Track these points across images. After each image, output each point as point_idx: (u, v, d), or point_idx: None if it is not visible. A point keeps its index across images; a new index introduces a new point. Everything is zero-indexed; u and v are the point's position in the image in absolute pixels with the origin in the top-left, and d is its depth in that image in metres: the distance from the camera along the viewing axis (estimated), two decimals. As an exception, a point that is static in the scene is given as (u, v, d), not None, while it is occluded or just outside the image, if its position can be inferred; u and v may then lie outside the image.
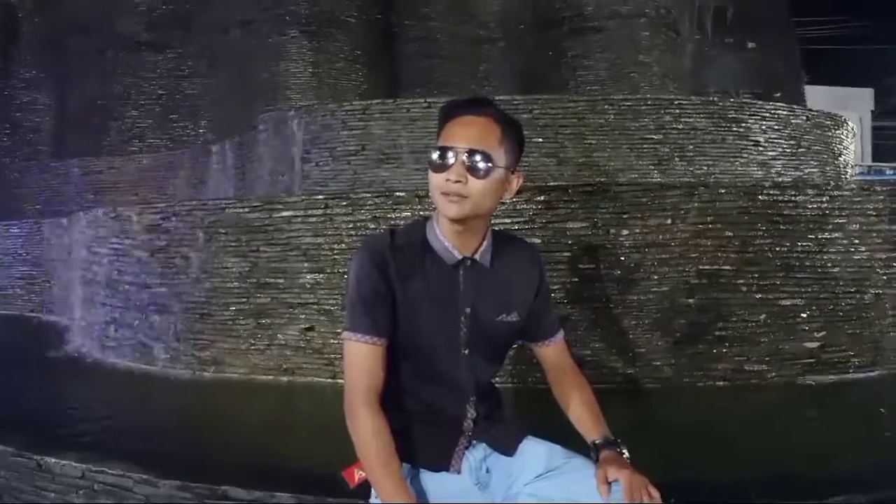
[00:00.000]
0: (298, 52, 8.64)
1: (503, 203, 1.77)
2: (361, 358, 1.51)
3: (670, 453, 2.51)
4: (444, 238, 1.56)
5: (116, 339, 4.59)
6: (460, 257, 1.57)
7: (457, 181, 1.49)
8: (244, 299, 3.92)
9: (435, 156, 1.52)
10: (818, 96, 16.01)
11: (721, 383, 3.54)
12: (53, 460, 2.55)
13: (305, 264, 3.77)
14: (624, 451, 1.59)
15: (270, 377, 3.86)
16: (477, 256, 1.59)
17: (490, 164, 1.50)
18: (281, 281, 3.83)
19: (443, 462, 1.58)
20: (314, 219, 3.72)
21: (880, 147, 24.38)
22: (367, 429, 1.47)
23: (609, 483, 1.47)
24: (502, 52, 9.62)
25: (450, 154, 1.50)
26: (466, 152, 1.49)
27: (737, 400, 3.39)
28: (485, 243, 1.60)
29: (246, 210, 3.89)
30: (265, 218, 3.82)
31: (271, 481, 2.26)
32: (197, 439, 2.89)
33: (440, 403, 1.60)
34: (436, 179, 1.52)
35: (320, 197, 3.78)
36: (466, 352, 1.59)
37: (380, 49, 9.18)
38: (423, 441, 1.57)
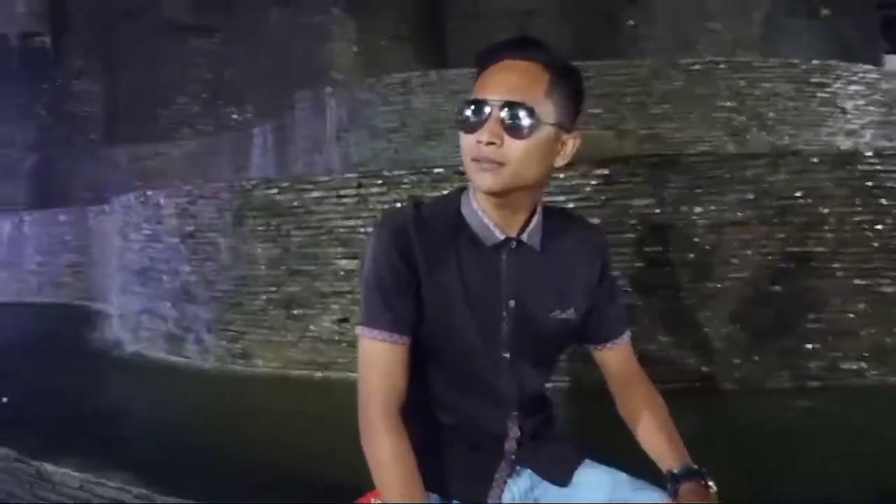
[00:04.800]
0: (342, 30, 8.37)
1: (558, 172, 1.41)
2: (379, 359, 1.24)
3: (752, 468, 2.22)
4: (483, 213, 1.27)
5: (149, 329, 4.41)
6: (502, 238, 1.27)
7: (489, 143, 1.19)
8: (274, 288, 3.66)
9: (464, 112, 1.20)
10: (901, 65, 14.90)
11: (813, 384, 3.16)
12: (52, 468, 2.37)
13: (339, 249, 3.48)
14: (711, 484, 1.26)
15: (304, 372, 3.60)
16: (524, 237, 1.29)
17: (533, 121, 1.18)
18: (313, 268, 3.54)
19: (480, 492, 1.29)
20: (347, 199, 3.43)
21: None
22: (385, 449, 1.20)
23: (692, 525, 1.16)
24: (553, 24, 9.13)
25: (483, 109, 1.19)
26: (502, 106, 1.17)
27: (832, 403, 3.01)
28: (534, 221, 1.30)
29: (275, 191, 3.62)
30: (294, 199, 3.55)
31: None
32: (215, 445, 2.64)
33: (476, 419, 1.31)
34: (466, 142, 1.22)
35: (352, 176, 3.48)
36: (508, 355, 1.30)
37: (425, 25, 8.83)
38: (456, 466, 1.29)
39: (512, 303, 1.27)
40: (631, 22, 8.47)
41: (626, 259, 3.16)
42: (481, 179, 1.21)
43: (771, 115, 4.89)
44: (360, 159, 5.12)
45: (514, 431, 1.30)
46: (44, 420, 2.96)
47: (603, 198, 3.18)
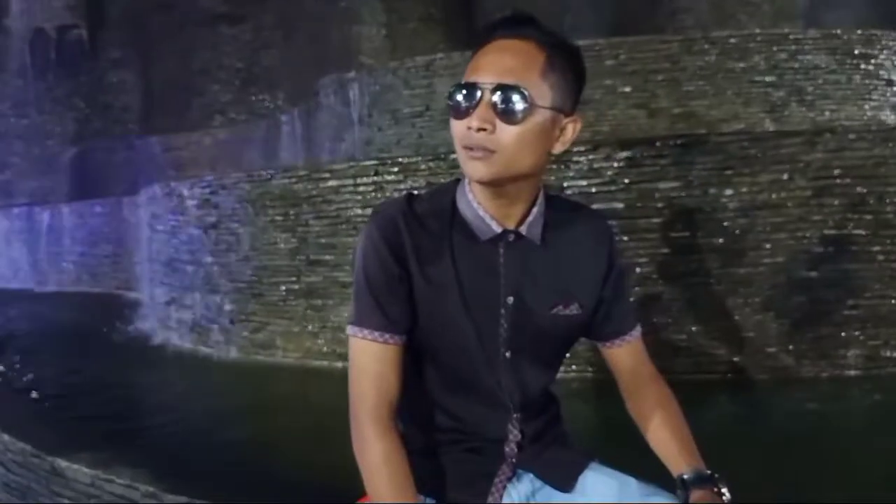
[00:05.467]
0: (371, 14, 8.30)
1: (556, 157, 1.33)
2: (370, 361, 1.19)
3: (785, 465, 2.09)
4: (478, 205, 1.19)
5: (176, 319, 4.44)
6: (499, 230, 1.19)
7: (480, 129, 1.10)
8: (294, 278, 3.64)
9: (455, 96, 1.13)
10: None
11: (852, 373, 3.02)
12: (65, 464, 2.36)
13: (357, 238, 3.40)
14: (724, 490, 1.18)
15: (325, 363, 3.58)
16: (522, 229, 1.21)
17: (527, 104, 1.09)
18: (331, 258, 3.50)
19: (478, 497, 1.22)
20: (363, 188, 3.37)
21: None
22: (375, 453, 1.14)
23: (703, 535, 1.11)
24: (589, 0, 8.92)
25: (473, 93, 1.11)
26: (494, 89, 1.09)
27: (872, 394, 2.87)
28: (534, 212, 1.21)
29: (293, 181, 3.57)
30: (312, 188, 3.51)
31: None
32: (229, 440, 2.62)
33: (474, 421, 1.25)
34: (457, 128, 1.14)
35: (369, 163, 3.41)
36: (508, 354, 1.23)
37: (456, 6, 8.69)
38: (453, 469, 1.23)
39: (511, 299, 1.19)
40: (669, -5, 8.25)
41: (652, 245, 3.04)
42: (472, 168, 1.12)
43: (811, 89, 4.66)
44: (383, 145, 5.05)
45: (514, 434, 1.23)
46: (64, 413, 2.98)
47: (627, 181, 3.05)
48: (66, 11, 10.14)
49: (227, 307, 3.95)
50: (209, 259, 4.03)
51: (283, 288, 3.67)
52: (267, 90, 9.75)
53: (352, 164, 3.55)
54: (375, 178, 3.35)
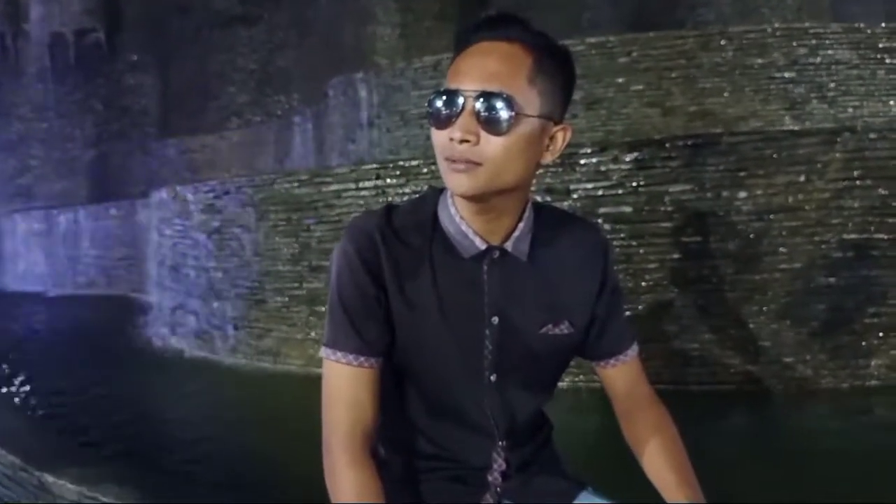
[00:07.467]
0: (385, 13, 8.25)
1: (545, 167, 1.24)
2: (343, 385, 1.11)
3: (803, 482, 2.01)
4: (461, 220, 1.11)
5: (182, 324, 4.42)
6: (483, 247, 1.12)
7: (463, 140, 1.02)
8: (297, 284, 3.60)
9: (434, 104, 1.04)
10: None
11: (873, 384, 2.92)
12: (52, 479, 2.32)
13: (357, 245, 3.33)
14: None
15: (328, 371, 3.49)
16: (508, 245, 1.12)
17: (512, 113, 1.01)
18: (333, 263, 3.42)
19: None
20: (366, 192, 3.31)
21: None
22: (347, 485, 1.07)
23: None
24: (610, -4, 8.80)
25: (455, 100, 1.03)
26: (477, 96, 1.01)
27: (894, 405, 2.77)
28: (521, 226, 1.13)
29: (295, 185, 3.52)
30: (314, 193, 3.45)
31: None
32: (224, 452, 2.56)
33: (457, 448, 1.17)
34: (438, 138, 1.06)
35: (370, 167, 3.34)
36: (493, 378, 1.15)
37: (472, 4, 8.57)
38: (434, 499, 1.16)
39: (496, 319, 1.11)
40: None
41: (663, 251, 2.95)
42: (455, 182, 1.04)
43: (832, 85, 4.52)
44: (391, 147, 4.98)
45: (498, 463, 1.16)
46: (59, 425, 2.95)
47: (635, 184, 2.96)
48: (84, 15, 10.24)
49: (231, 313, 3.91)
50: (213, 264, 4.00)
51: (287, 294, 3.63)
52: (282, 91, 9.75)
53: (353, 168, 3.49)
54: (377, 182, 3.28)
